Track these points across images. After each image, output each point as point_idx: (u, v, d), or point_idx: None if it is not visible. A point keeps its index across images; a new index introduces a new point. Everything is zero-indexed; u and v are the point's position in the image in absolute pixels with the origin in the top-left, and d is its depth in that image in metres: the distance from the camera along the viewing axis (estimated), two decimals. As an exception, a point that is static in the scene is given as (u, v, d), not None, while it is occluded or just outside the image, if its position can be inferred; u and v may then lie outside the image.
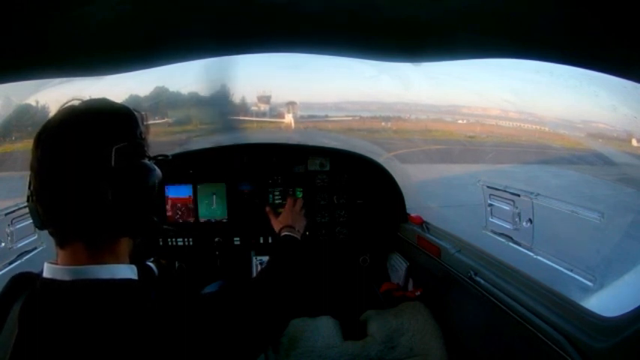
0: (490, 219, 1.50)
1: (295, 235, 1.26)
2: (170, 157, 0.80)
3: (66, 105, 0.67)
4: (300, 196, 2.02)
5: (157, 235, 1.95)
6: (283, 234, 1.27)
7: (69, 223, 0.64)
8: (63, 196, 0.62)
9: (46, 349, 0.56)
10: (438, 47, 1.06)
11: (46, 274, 0.64)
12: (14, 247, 1.34)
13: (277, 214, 1.47)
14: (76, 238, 0.64)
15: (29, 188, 0.65)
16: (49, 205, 0.63)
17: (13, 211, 1.33)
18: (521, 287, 1.21)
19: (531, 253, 1.29)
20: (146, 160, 0.70)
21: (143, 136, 0.71)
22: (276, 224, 1.39)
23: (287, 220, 1.38)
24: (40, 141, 0.63)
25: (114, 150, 0.63)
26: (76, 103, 0.68)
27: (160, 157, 0.76)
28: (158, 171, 0.72)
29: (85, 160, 0.62)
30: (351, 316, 1.75)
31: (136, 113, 0.71)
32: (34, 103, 1.69)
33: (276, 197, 2.02)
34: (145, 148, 0.72)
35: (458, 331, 1.50)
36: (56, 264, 0.64)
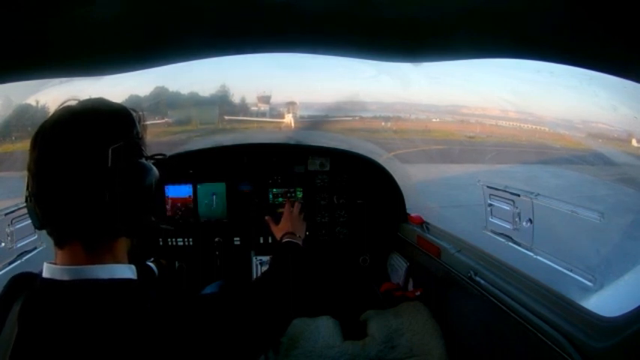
0: (490, 219, 1.50)
1: (297, 241, 1.26)
2: (167, 157, 0.80)
3: (62, 105, 0.67)
4: (300, 196, 2.02)
5: (154, 235, 1.95)
6: (285, 240, 1.26)
7: (66, 224, 0.64)
8: (60, 196, 0.62)
9: (45, 348, 0.57)
10: (438, 47, 1.06)
11: (45, 274, 0.64)
12: (14, 247, 1.34)
13: (277, 219, 1.46)
14: (74, 238, 0.64)
15: (27, 189, 0.65)
16: (47, 205, 0.63)
17: (13, 211, 1.33)
18: (521, 287, 1.21)
19: (531, 253, 1.29)
20: (143, 160, 0.70)
21: (140, 136, 0.71)
22: (277, 231, 1.37)
23: (287, 226, 1.36)
24: (36, 142, 0.63)
25: (110, 150, 0.63)
26: (73, 103, 0.68)
27: (157, 157, 0.76)
28: (155, 170, 0.71)
29: (82, 160, 0.62)
30: (351, 316, 1.75)
31: (132, 113, 0.71)
32: (34, 103, 1.69)
33: (276, 197, 2.02)
34: (142, 148, 0.72)
35: (458, 331, 1.50)
36: (55, 264, 0.65)
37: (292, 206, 1.49)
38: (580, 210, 1.13)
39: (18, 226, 1.33)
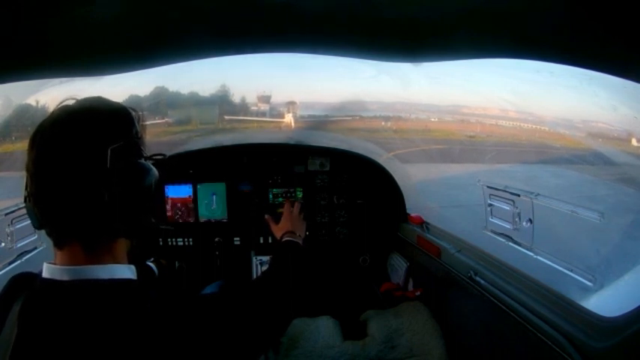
0: (490, 219, 1.49)
1: (297, 240, 1.26)
2: (166, 157, 0.79)
3: (61, 105, 0.67)
4: (300, 196, 2.02)
5: (154, 236, 1.95)
6: (285, 239, 1.26)
7: (65, 224, 0.64)
8: (59, 196, 0.62)
9: (45, 348, 0.56)
10: (438, 47, 1.06)
11: (45, 274, 0.64)
12: (14, 247, 1.34)
13: (276, 219, 1.46)
14: (73, 239, 0.64)
15: (26, 189, 0.65)
16: (45, 205, 0.63)
17: (13, 211, 1.33)
18: (521, 287, 1.21)
19: (531, 253, 1.29)
20: (142, 160, 0.70)
21: (139, 136, 0.71)
22: (277, 231, 1.36)
23: (287, 226, 1.36)
24: (34, 142, 0.63)
25: (109, 150, 0.62)
26: (71, 102, 0.67)
27: (156, 157, 0.75)
28: (155, 170, 0.71)
29: (80, 161, 0.62)
30: (351, 316, 1.75)
31: (132, 112, 0.71)
32: (34, 103, 1.69)
33: (276, 197, 2.02)
34: (142, 148, 0.71)
35: (458, 331, 1.50)
36: (55, 264, 0.64)
37: (292, 206, 1.49)
38: (580, 210, 1.13)
39: (18, 226, 1.33)
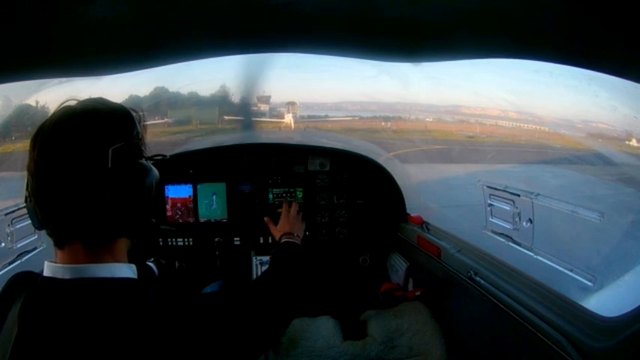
0: (490, 219, 1.49)
1: (295, 241, 1.26)
2: (167, 157, 0.80)
3: (62, 105, 0.67)
4: (301, 196, 2.02)
5: (154, 236, 1.95)
6: (283, 240, 1.27)
7: (66, 224, 0.64)
8: (60, 197, 0.62)
9: (45, 346, 0.57)
10: (438, 47, 1.06)
11: (46, 273, 0.64)
12: (14, 247, 1.34)
13: (276, 219, 1.47)
14: (74, 239, 0.64)
15: (27, 189, 0.65)
16: (47, 206, 0.64)
17: (13, 211, 1.33)
18: (521, 287, 1.21)
19: (531, 253, 1.29)
20: (143, 161, 0.70)
21: (140, 136, 0.71)
22: (276, 233, 1.38)
23: (285, 227, 1.37)
24: (36, 142, 0.63)
25: (111, 150, 0.63)
26: (73, 103, 0.68)
27: (157, 157, 0.76)
28: (155, 171, 0.71)
29: (82, 161, 0.62)
30: (351, 316, 1.75)
31: (133, 113, 0.71)
32: (34, 103, 1.69)
33: (276, 197, 2.02)
34: (143, 148, 0.72)
35: (458, 331, 1.50)
36: (56, 263, 0.65)
37: (290, 206, 1.49)
38: (580, 210, 1.13)
39: (18, 226, 1.33)
